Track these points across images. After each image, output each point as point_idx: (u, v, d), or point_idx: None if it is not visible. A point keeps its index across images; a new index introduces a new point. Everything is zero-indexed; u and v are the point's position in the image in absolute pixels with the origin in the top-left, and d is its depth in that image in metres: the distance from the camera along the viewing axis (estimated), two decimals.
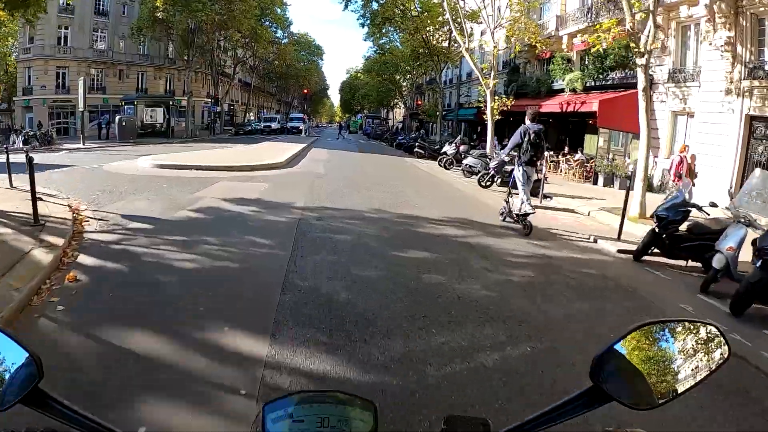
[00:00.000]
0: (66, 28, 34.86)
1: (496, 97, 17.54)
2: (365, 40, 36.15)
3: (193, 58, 31.48)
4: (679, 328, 0.72)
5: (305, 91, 34.92)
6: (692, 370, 0.69)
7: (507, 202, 7.93)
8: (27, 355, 0.68)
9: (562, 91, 21.82)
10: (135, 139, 25.89)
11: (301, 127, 40.98)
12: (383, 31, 29.23)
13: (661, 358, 0.70)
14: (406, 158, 22.37)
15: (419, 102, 38.06)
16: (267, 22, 40.09)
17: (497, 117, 17.49)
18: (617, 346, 0.70)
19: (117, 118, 26.09)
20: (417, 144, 23.45)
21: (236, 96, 50.87)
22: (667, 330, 0.72)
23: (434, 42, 27.50)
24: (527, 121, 7.49)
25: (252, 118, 50.49)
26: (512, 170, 8.32)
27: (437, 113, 27.99)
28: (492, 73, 17.08)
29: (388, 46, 35.53)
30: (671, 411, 2.41)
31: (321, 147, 25.15)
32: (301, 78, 51.47)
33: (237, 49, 38.32)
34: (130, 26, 31.35)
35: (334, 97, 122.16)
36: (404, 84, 43.86)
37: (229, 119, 44.58)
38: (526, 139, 7.34)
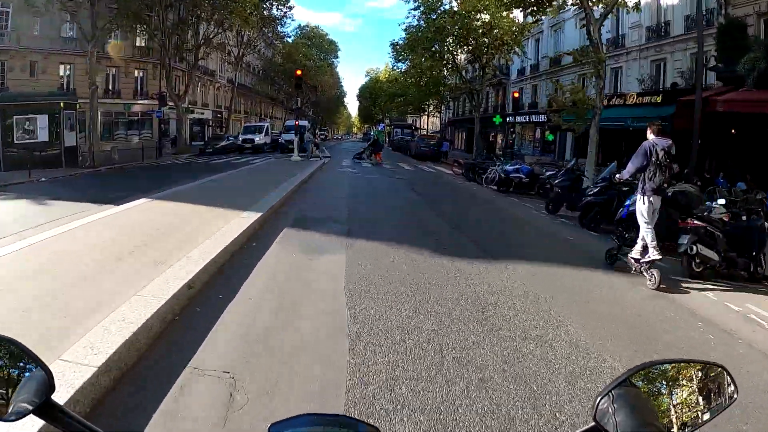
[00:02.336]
0: None
1: None
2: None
3: (101, 26, 18.03)
4: (685, 369, 0.69)
5: (298, 72, 20.68)
6: (697, 410, 0.66)
7: (619, 244, 5.71)
8: (39, 368, 0.68)
9: None
10: None
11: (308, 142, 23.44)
12: None
13: (664, 398, 0.67)
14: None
15: (516, 93, 22.27)
16: None
17: None
18: (620, 386, 0.66)
19: None
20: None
21: (229, 102, 37.41)
22: (671, 370, 0.69)
23: None
24: (651, 135, 5.17)
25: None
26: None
27: (593, 112, 12.06)
28: None
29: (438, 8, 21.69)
30: None
31: (321, 231, 6.96)
32: (310, 76, 37.88)
33: (200, 20, 24.58)
34: None
35: (352, 107, 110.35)
36: (464, 64, 28.62)
37: (200, 130, 30.94)
38: (653, 160, 5.04)
